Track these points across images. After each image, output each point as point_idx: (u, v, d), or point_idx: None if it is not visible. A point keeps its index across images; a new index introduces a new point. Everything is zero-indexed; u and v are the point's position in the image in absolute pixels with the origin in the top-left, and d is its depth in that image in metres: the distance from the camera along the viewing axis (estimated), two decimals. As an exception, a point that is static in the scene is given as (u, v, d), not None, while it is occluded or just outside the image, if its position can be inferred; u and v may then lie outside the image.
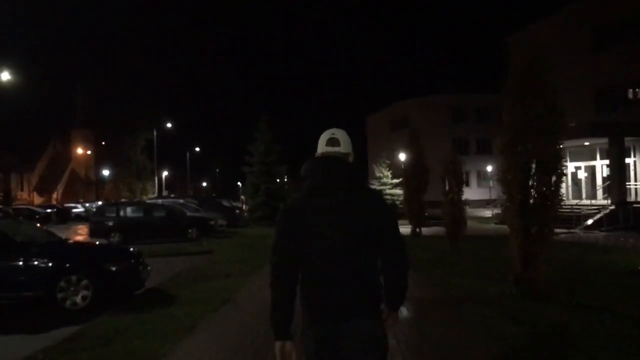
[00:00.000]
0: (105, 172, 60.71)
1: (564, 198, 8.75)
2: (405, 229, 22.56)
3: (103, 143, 62.81)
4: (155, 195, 49.66)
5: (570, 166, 26.87)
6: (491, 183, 45.84)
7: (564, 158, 7.86)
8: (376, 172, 43.25)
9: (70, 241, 8.96)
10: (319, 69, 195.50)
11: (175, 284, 9.14)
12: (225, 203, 35.85)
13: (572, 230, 20.46)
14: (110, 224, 18.80)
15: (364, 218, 2.37)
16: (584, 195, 26.92)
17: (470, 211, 22.74)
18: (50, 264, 7.32)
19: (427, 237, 19.17)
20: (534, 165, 7.71)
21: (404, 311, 6.74)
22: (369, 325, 2.34)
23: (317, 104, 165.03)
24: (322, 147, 2.53)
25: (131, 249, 8.71)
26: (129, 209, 19.75)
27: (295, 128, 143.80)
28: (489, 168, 46.06)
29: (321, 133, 2.57)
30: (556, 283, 8.10)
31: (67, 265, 7.44)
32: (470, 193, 15.94)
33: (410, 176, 19.48)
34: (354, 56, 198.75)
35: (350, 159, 2.54)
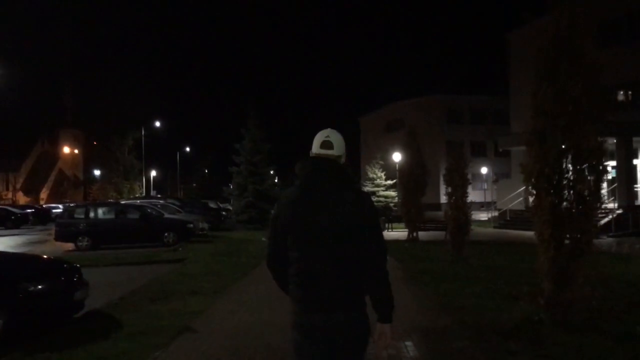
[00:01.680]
0: (95, 172, 59.09)
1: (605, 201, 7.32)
2: (401, 233, 21.15)
3: (95, 143, 61.23)
4: (143, 195, 48.07)
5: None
6: (485, 186, 44.74)
7: (606, 151, 6.39)
8: (369, 173, 41.81)
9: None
10: (311, 68, 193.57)
11: (126, 305, 7.42)
12: (212, 205, 34.34)
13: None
14: (79, 226, 17.26)
15: (350, 216, 2.42)
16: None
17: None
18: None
19: (425, 242, 17.66)
20: (568, 162, 6.26)
21: (410, 349, 5.19)
22: (355, 317, 2.41)
23: (310, 104, 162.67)
24: (316, 148, 2.60)
25: (65, 263, 7.02)
26: (99, 211, 18.01)
27: (286, 128, 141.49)
28: (484, 170, 45.06)
29: (313, 133, 2.66)
30: (590, 304, 6.59)
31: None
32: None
33: (407, 177, 18.02)
34: (347, 56, 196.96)
35: (343, 160, 2.61)
